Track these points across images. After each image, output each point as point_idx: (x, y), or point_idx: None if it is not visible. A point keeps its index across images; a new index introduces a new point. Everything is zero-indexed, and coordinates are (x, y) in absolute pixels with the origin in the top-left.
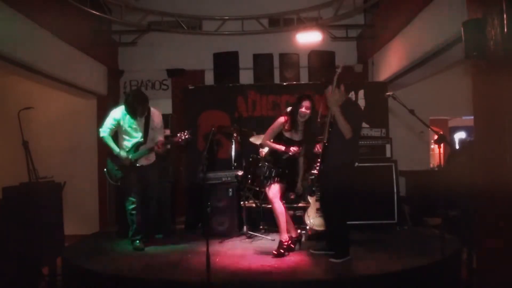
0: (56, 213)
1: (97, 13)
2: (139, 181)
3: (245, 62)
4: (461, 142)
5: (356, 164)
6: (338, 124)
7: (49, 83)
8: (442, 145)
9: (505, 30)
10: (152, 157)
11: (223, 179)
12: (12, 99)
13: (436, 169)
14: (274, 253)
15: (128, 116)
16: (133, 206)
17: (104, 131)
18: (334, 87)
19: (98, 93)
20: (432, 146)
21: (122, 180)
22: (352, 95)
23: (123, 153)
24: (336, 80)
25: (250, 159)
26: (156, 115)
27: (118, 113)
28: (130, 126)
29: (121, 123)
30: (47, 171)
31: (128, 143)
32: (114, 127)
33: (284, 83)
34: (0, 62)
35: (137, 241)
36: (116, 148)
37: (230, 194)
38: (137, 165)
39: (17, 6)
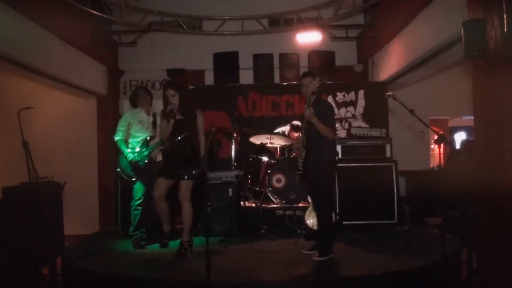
0: (56, 213)
1: (97, 13)
2: (147, 178)
3: (245, 62)
4: (462, 142)
5: (336, 158)
6: (319, 131)
7: (49, 83)
8: (442, 145)
9: (505, 30)
10: (159, 156)
11: (223, 179)
12: (12, 99)
13: (436, 169)
14: (176, 253)
15: (136, 115)
16: (139, 202)
17: (118, 134)
18: (310, 100)
19: (98, 93)
20: (432, 146)
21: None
22: (352, 95)
23: (129, 155)
24: (311, 96)
25: (250, 159)
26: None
27: (126, 115)
28: (140, 123)
29: (131, 122)
30: (47, 171)
31: (136, 143)
32: (125, 128)
33: (284, 83)
34: (0, 62)
35: (135, 235)
36: (125, 151)
37: (230, 194)
38: (152, 158)
39: (17, 6)
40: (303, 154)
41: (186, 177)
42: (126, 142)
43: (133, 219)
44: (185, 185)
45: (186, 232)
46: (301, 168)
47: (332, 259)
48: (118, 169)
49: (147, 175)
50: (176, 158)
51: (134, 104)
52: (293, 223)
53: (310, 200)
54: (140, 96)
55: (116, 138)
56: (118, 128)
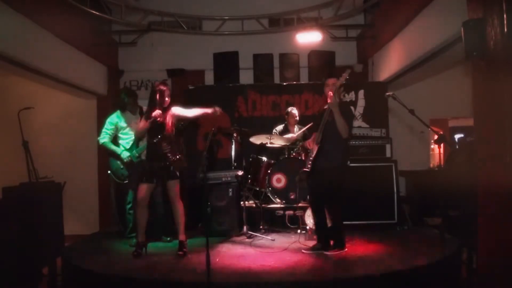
0: (56, 213)
1: (97, 13)
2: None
3: (245, 62)
4: (460, 142)
5: (349, 162)
6: (336, 124)
7: (49, 83)
8: (442, 145)
9: (505, 30)
10: None
11: (223, 179)
12: (12, 99)
13: (436, 169)
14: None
15: (123, 117)
16: (130, 205)
17: (103, 137)
18: (338, 89)
19: (98, 93)
20: (432, 146)
21: (128, 177)
22: (352, 95)
23: (125, 153)
24: (342, 83)
25: (250, 159)
26: None
27: (113, 117)
28: (129, 124)
29: (119, 125)
30: (47, 171)
31: (126, 144)
32: (112, 131)
33: (284, 83)
34: (0, 62)
35: (134, 239)
36: (118, 150)
37: (230, 194)
38: (142, 159)
39: (17, 6)
40: (315, 151)
41: (170, 178)
42: (115, 143)
43: (128, 222)
44: (173, 186)
45: (183, 232)
46: (310, 166)
47: (334, 258)
48: (109, 172)
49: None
50: (155, 160)
51: (124, 109)
52: (293, 223)
53: (309, 199)
54: (134, 105)
55: (102, 141)
56: (104, 130)
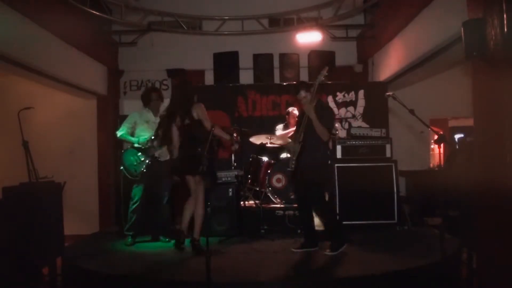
0: (56, 213)
1: (97, 13)
2: (149, 178)
3: (245, 62)
4: (460, 142)
5: (329, 161)
6: (315, 128)
7: (49, 83)
8: (442, 145)
9: (505, 30)
10: (166, 155)
11: (223, 179)
12: (12, 99)
13: (436, 169)
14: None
15: (143, 115)
16: (135, 205)
17: (122, 129)
18: (313, 94)
19: (98, 93)
20: (432, 146)
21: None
22: (352, 95)
23: (142, 140)
24: (316, 88)
25: (250, 159)
26: None
27: (134, 114)
28: (147, 122)
29: (137, 121)
30: (47, 171)
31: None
32: (130, 125)
33: (284, 83)
34: (0, 62)
35: (129, 238)
36: (134, 140)
37: (230, 194)
38: (156, 158)
39: (17, 6)
40: (297, 150)
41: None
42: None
43: (129, 219)
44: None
45: (199, 231)
46: (293, 166)
47: (334, 257)
48: (122, 168)
49: (151, 173)
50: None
51: (146, 104)
52: (293, 223)
53: (295, 198)
54: (152, 101)
55: (119, 134)
56: (123, 124)
